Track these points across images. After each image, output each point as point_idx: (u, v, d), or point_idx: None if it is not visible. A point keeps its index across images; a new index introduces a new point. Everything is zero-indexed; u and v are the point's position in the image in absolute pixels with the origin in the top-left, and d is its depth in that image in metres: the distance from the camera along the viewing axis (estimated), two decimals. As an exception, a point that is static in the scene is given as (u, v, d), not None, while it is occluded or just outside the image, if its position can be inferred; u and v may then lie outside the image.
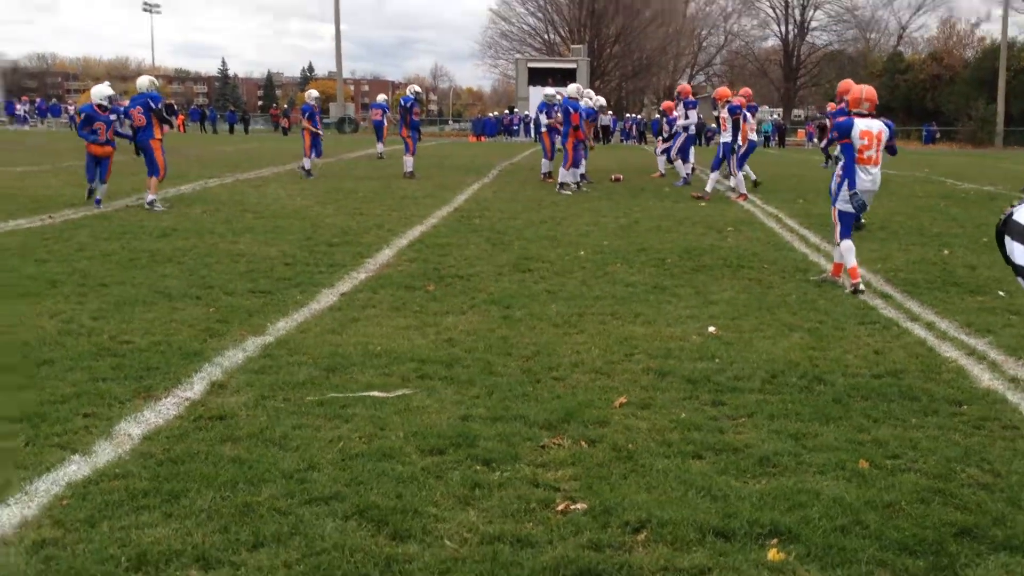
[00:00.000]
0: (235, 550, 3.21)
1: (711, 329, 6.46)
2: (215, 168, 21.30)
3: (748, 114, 17.21)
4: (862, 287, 7.83)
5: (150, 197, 12.80)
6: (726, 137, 16.18)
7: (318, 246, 9.88)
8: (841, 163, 8.13)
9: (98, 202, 12.92)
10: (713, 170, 16.31)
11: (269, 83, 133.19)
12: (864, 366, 5.61)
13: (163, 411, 4.60)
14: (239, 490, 3.68)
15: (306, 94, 20.65)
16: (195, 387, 5.00)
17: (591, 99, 19.67)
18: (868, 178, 7.99)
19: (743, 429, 4.51)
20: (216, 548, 3.21)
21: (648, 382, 5.25)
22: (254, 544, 3.26)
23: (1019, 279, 1.21)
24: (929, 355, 5.90)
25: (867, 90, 8.18)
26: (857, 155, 7.92)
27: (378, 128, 28.01)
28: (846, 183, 8.02)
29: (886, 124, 8.09)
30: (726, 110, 16.19)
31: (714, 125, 16.70)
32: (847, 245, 8.03)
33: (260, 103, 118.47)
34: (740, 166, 17.41)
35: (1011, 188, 19.73)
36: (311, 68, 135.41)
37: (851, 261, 7.96)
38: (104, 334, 5.99)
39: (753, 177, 18.37)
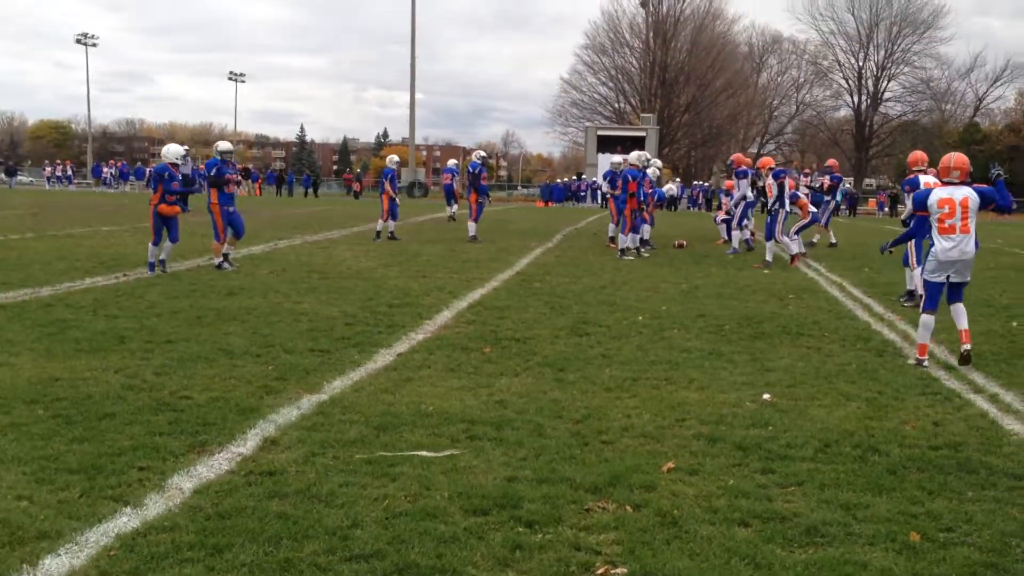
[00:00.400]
0: (273, 604, 3.25)
1: (766, 396, 6.37)
2: (285, 230, 21.85)
3: (799, 194, 17.20)
4: (926, 363, 7.60)
5: (216, 260, 13.22)
6: (775, 203, 16.06)
7: (379, 307, 10.04)
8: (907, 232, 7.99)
9: (162, 263, 12.58)
10: (767, 239, 16.13)
11: (344, 148, 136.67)
12: (922, 437, 5.47)
13: (215, 466, 4.70)
14: (282, 545, 3.73)
15: (388, 159, 20.99)
16: (248, 443, 5.09)
17: (658, 168, 19.81)
18: (950, 245, 7.61)
19: (792, 498, 4.42)
20: (254, 601, 3.25)
21: (698, 448, 5.20)
22: (292, 598, 3.29)
23: None
24: (991, 428, 5.73)
25: (956, 158, 7.92)
26: (938, 224, 7.66)
27: (448, 191, 28.64)
28: (931, 253, 7.77)
29: (979, 190, 7.74)
30: (770, 177, 16.13)
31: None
32: (925, 320, 7.70)
33: (335, 167, 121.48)
34: (797, 232, 17.35)
35: (1091, 259, 19.14)
36: (385, 134, 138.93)
37: (924, 337, 7.68)
38: (165, 389, 6.16)
39: (795, 250, 17.97)
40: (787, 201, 15.90)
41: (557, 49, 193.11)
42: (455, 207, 28.05)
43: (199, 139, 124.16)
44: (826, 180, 21.13)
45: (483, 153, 21.52)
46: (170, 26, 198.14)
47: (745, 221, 19.04)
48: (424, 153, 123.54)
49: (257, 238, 18.60)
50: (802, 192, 18.61)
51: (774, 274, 14.57)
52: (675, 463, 4.89)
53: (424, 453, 4.99)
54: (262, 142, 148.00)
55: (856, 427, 5.64)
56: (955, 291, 7.84)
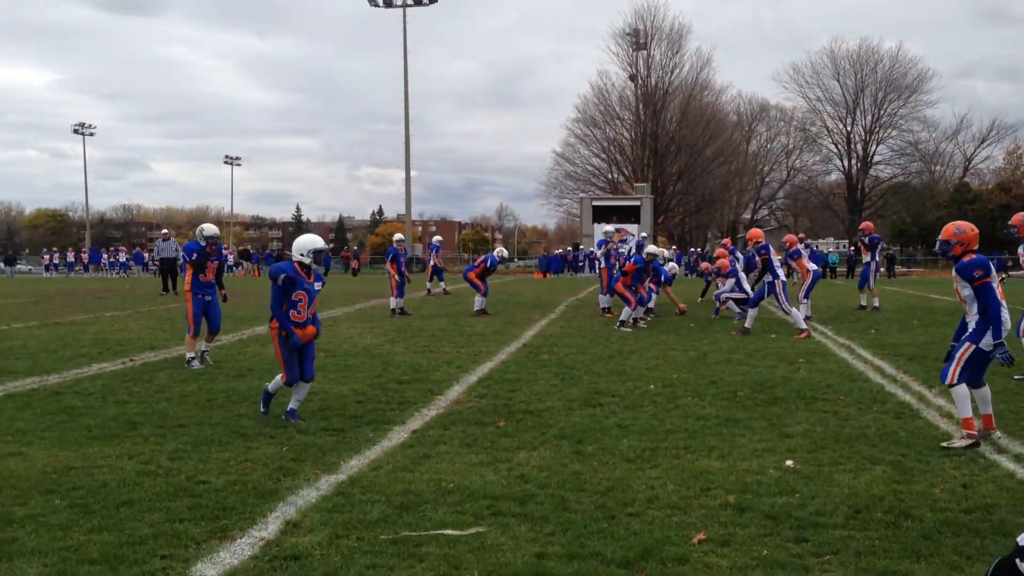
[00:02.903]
0: None
1: (789, 463, 6.30)
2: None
3: (800, 251, 17.48)
4: (979, 441, 6.78)
5: (188, 355, 11.48)
6: (768, 277, 15.80)
7: (389, 383, 9.98)
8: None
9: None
10: (752, 306, 15.94)
11: (340, 226, 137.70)
12: (952, 500, 5.39)
13: (238, 551, 4.62)
14: (314, 632, 3.64)
15: (394, 238, 21.67)
16: (270, 526, 5.01)
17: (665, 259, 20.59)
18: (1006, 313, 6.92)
19: (829, 567, 4.34)
20: None
21: (726, 518, 5.12)
22: None
23: None
24: (1019, 488, 5.65)
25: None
26: (999, 289, 6.91)
27: (434, 269, 29.25)
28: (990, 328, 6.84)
29: None
30: (755, 253, 16.10)
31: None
32: (963, 392, 6.89)
33: (331, 245, 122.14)
34: (806, 296, 17.42)
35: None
36: (380, 211, 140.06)
37: (966, 410, 6.86)
38: (181, 474, 6.08)
39: (804, 315, 17.64)
40: (779, 272, 15.74)
41: (545, 124, 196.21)
42: (443, 283, 28.73)
43: (197, 222, 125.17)
44: (864, 242, 20.99)
45: (505, 253, 22.42)
46: (163, 114, 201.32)
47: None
48: (419, 229, 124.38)
49: (261, 319, 18.58)
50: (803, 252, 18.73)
51: (782, 339, 14.53)
52: (705, 534, 4.82)
53: (449, 532, 4.91)
54: (258, 223, 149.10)
55: (885, 491, 5.56)
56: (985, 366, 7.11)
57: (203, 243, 11.72)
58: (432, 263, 29.73)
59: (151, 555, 4.54)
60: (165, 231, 33.74)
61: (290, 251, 8.12)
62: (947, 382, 6.97)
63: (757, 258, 15.98)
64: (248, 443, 7.05)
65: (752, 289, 17.98)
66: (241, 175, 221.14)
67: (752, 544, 4.67)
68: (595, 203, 62.25)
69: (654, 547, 4.60)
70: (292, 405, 8.02)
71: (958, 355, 6.95)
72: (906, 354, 12.10)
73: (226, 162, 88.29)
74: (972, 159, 77.55)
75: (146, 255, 61.80)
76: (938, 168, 78.07)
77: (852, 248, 19.08)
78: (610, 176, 79.42)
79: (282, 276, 7.81)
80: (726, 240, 27.57)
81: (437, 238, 31.11)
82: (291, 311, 7.85)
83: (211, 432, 7.44)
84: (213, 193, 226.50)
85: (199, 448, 6.86)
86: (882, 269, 45.76)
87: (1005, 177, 71.29)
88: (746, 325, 15.56)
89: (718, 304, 19.20)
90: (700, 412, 8.26)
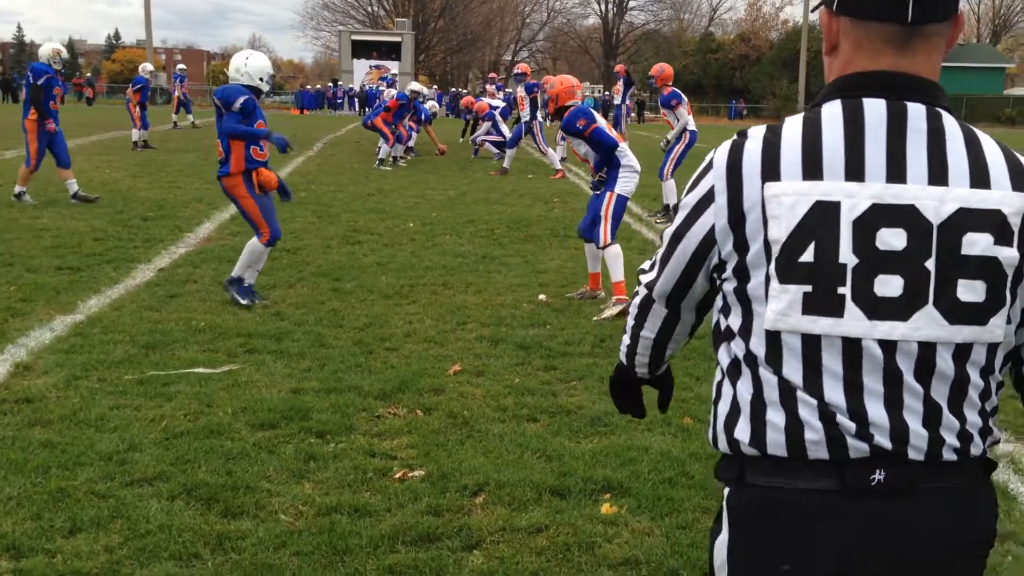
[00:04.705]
0: (49, 537, 3.02)
1: (541, 297, 6.55)
2: (11, 140, 19.76)
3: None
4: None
5: (18, 188, 10.38)
6: (525, 116, 16.11)
7: (131, 220, 9.37)
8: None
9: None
10: (509, 147, 16.25)
11: (71, 50, 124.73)
12: (686, 328, 5.82)
13: (-39, 396, 4.25)
14: (52, 475, 3.46)
15: (140, 67, 19.86)
16: (-3, 370, 4.64)
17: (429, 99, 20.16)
18: None
19: (575, 392, 4.61)
20: (28, 536, 3.01)
21: (481, 350, 5.28)
22: (71, 530, 3.07)
23: None
24: (745, 316, 6.19)
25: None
26: None
27: (182, 100, 27.40)
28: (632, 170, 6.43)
29: None
30: (522, 88, 16.24)
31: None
32: (617, 251, 6.25)
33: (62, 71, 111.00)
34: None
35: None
36: (117, 35, 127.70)
37: (620, 272, 6.24)
38: None
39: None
40: (538, 113, 16.02)
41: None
42: (191, 116, 27.08)
43: None
44: (619, 86, 21.29)
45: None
46: None
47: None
48: (163, 57, 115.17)
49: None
50: None
51: (537, 179, 14.91)
52: (460, 366, 4.96)
53: (200, 370, 4.75)
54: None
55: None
56: None
57: (56, 66, 10.45)
58: (177, 94, 27.75)
59: None
60: None
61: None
62: (602, 244, 6.24)
63: (524, 95, 16.06)
64: (-32, 282, 6.42)
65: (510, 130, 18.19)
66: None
67: (505, 373, 4.86)
68: (354, 37, 59.89)
69: (411, 379, 4.68)
70: (249, 280, 6.23)
71: (603, 211, 6.26)
72: (651, 195, 12.78)
73: (-73, -32, 76.77)
74: (717, 9, 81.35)
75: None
76: (686, 16, 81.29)
77: (607, 94, 19.48)
78: (370, 9, 76.51)
79: (243, 99, 6.03)
80: (493, 74, 27.55)
81: (181, 67, 28.90)
82: (251, 147, 6.16)
83: (-77, 271, 6.71)
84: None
85: (-91, 288, 6.18)
86: (632, 114, 47.79)
87: (745, 28, 75.40)
88: (504, 165, 15.81)
89: (476, 145, 19.34)
90: (458, 250, 8.38)
